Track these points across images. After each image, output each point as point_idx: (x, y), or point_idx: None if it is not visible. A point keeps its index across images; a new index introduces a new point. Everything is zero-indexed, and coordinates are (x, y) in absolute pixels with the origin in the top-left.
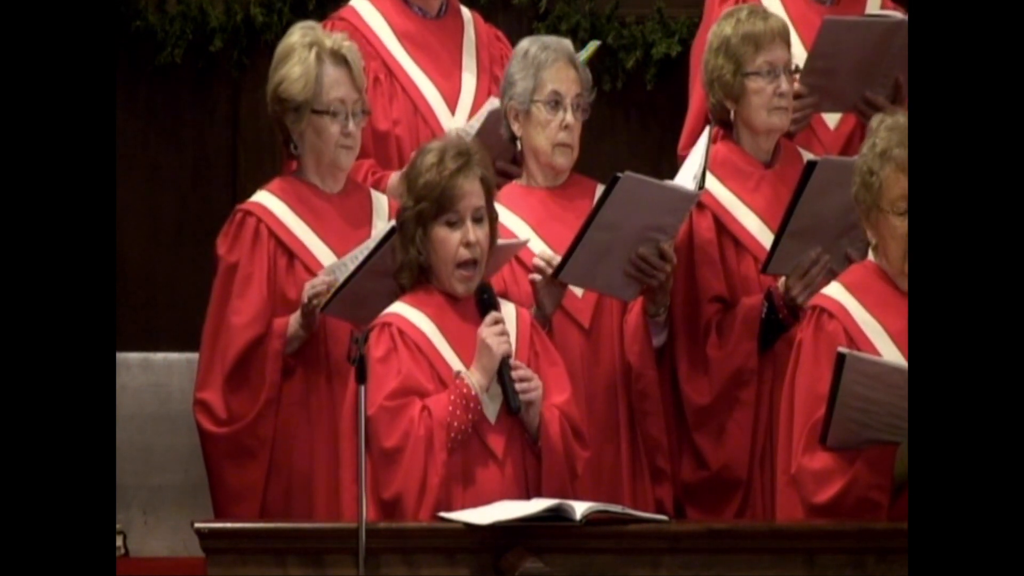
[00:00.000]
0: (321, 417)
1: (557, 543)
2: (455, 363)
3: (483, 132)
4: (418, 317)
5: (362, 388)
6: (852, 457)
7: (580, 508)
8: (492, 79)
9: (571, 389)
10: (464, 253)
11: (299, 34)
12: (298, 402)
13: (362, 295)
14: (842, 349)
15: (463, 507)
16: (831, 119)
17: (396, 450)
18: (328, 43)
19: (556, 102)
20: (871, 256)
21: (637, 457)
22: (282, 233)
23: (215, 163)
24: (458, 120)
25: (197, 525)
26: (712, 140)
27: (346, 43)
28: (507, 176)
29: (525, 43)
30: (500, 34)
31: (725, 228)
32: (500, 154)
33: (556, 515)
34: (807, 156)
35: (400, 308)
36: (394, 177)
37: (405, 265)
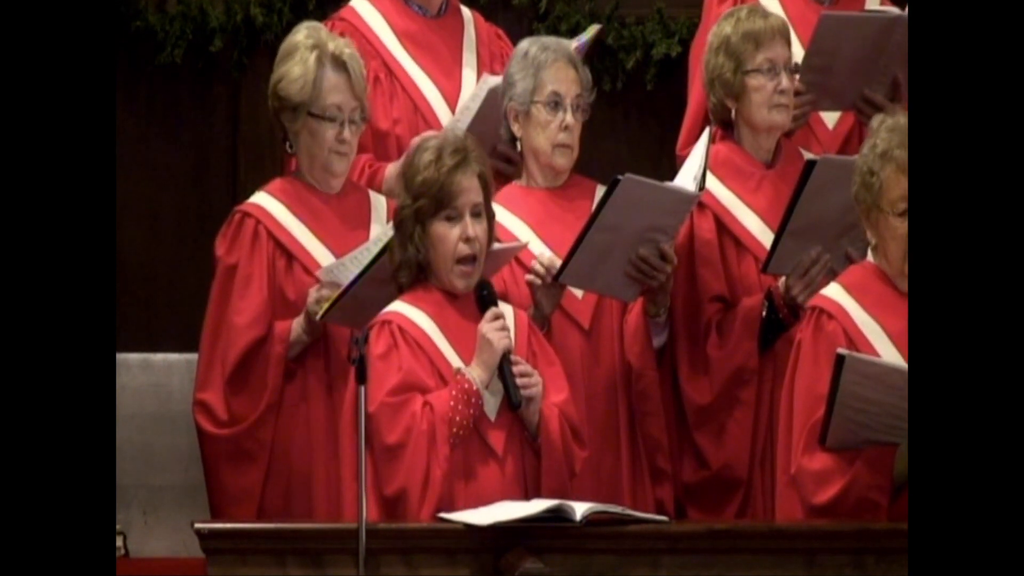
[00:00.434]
0: (320, 417)
1: (557, 543)
2: (455, 360)
3: (483, 111)
4: (418, 315)
5: (362, 388)
6: (852, 458)
7: (580, 508)
8: None
9: (568, 389)
10: (464, 249)
11: (304, 34)
12: (298, 403)
13: (361, 302)
14: (841, 350)
15: (464, 504)
16: (829, 119)
17: (398, 445)
18: (331, 47)
19: (556, 103)
20: (870, 256)
21: (637, 458)
22: (280, 234)
23: (215, 163)
24: None
25: (197, 525)
26: (712, 140)
27: (348, 50)
28: (508, 161)
29: (525, 43)
30: (501, 32)
31: (726, 228)
32: (498, 136)
33: (556, 515)
34: (808, 156)
35: (399, 306)
36: (391, 168)
37: (404, 263)
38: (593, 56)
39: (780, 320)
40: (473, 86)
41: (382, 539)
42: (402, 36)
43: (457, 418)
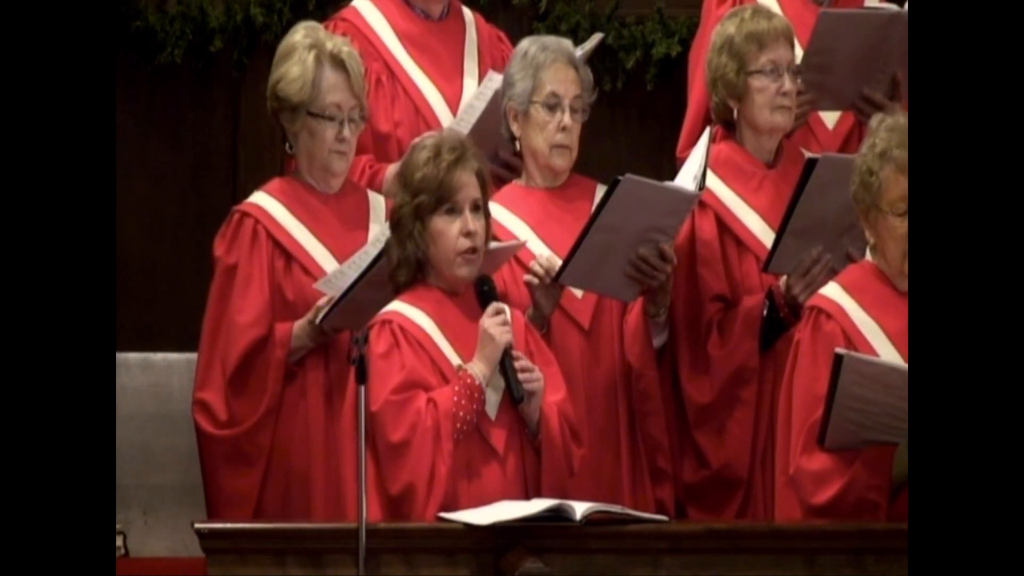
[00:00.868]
0: (320, 418)
1: (557, 543)
2: (455, 359)
3: (488, 110)
4: (417, 314)
5: (362, 388)
6: (850, 458)
7: (580, 508)
8: None
9: (566, 388)
10: (465, 242)
11: (301, 34)
12: (297, 403)
13: (360, 305)
14: (839, 350)
15: (467, 503)
16: (829, 118)
17: (403, 443)
18: (329, 46)
19: (554, 104)
20: (869, 256)
21: (637, 458)
22: (279, 234)
23: (215, 163)
24: None
25: (197, 525)
26: (712, 140)
27: (346, 48)
28: (510, 168)
29: (525, 43)
30: (502, 35)
31: (727, 227)
32: (501, 136)
33: (556, 515)
34: (808, 155)
35: (399, 306)
36: (391, 170)
37: (403, 261)
38: (593, 56)
39: (781, 320)
40: (474, 89)
41: (382, 539)
42: (404, 38)
43: (461, 413)
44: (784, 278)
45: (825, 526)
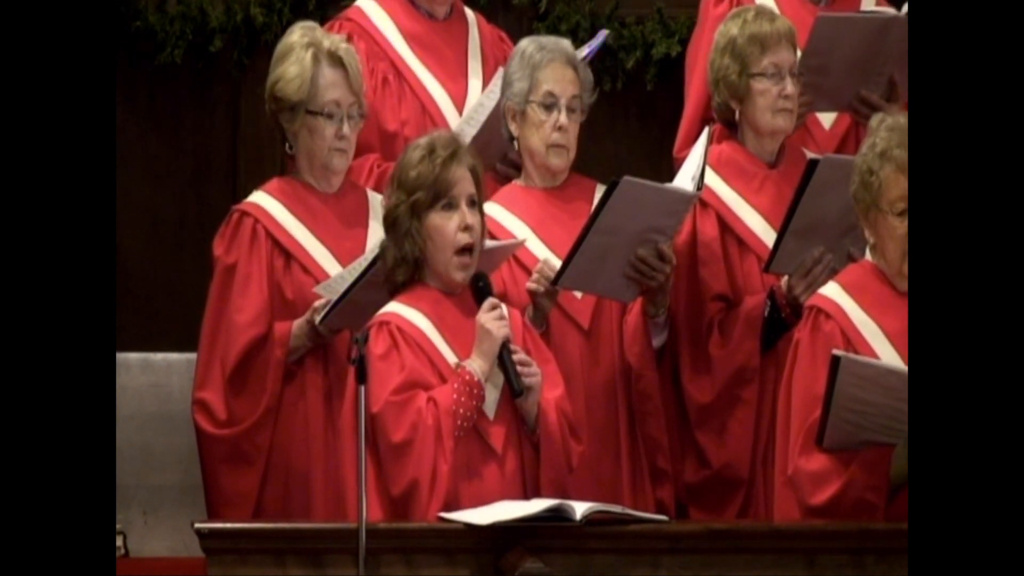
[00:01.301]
0: (319, 418)
1: (557, 543)
2: (453, 359)
3: (483, 131)
4: (414, 315)
5: (362, 388)
6: (848, 459)
7: (580, 508)
8: None
9: (563, 385)
10: (463, 237)
11: (298, 34)
12: (296, 403)
13: (358, 306)
14: (837, 351)
15: (466, 502)
16: (826, 119)
17: (405, 443)
18: (326, 44)
19: (551, 103)
20: (869, 256)
21: (637, 458)
22: (279, 234)
23: (215, 163)
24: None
25: (197, 525)
26: (711, 140)
27: (343, 45)
28: (518, 169)
29: (524, 43)
30: (504, 35)
31: (729, 227)
32: (501, 154)
33: (556, 515)
34: (810, 155)
35: (396, 307)
36: None
37: (401, 261)
38: (593, 56)
39: (782, 320)
40: (479, 88)
41: (382, 539)
42: (409, 38)
43: (461, 410)
44: (785, 278)
45: (825, 526)
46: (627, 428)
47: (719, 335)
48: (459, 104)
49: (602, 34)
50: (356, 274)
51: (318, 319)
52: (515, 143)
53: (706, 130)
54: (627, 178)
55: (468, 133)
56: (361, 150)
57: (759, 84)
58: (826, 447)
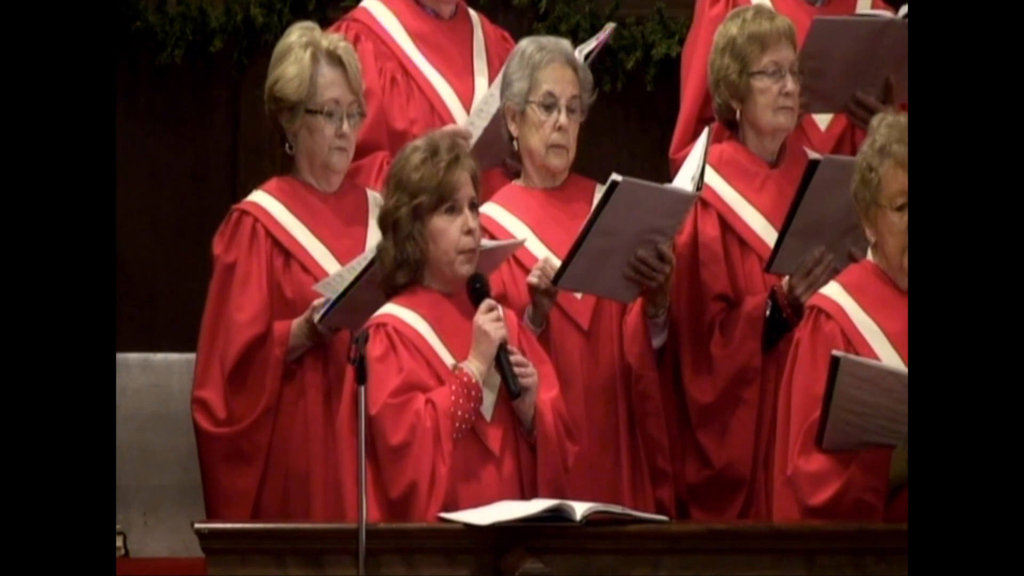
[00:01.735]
0: (318, 418)
1: (557, 543)
2: (450, 361)
3: (494, 124)
4: (412, 316)
5: (362, 388)
6: (847, 460)
7: (580, 508)
8: None
9: (559, 386)
10: (467, 241)
11: (296, 34)
12: (296, 403)
13: (358, 305)
14: (836, 352)
15: (465, 504)
16: (822, 121)
17: (404, 445)
18: (324, 43)
19: (550, 103)
20: (871, 255)
21: (637, 458)
22: (278, 233)
23: (215, 163)
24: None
25: (197, 525)
26: (711, 140)
27: (342, 44)
28: (518, 175)
29: (524, 43)
30: (506, 35)
31: (730, 227)
32: (510, 149)
33: (556, 515)
34: (811, 155)
35: (393, 308)
36: None
37: (402, 263)
38: (598, 51)
39: (784, 320)
40: (485, 87)
41: (382, 539)
42: (416, 37)
43: (459, 412)
44: (787, 278)
45: (825, 526)
46: (627, 428)
47: (720, 335)
48: (466, 102)
49: (609, 28)
50: (355, 273)
51: (317, 318)
52: (515, 143)
53: (706, 130)
54: (626, 179)
55: (479, 126)
56: (370, 149)
57: (760, 83)
58: (825, 448)
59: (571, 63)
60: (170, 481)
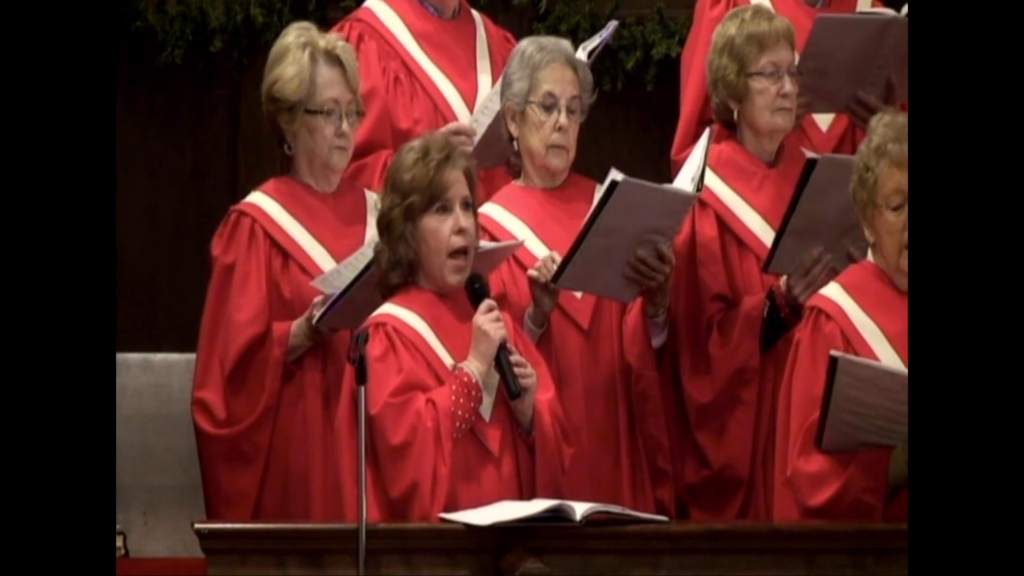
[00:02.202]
0: (318, 418)
1: (557, 543)
2: (449, 361)
3: (489, 134)
4: (410, 316)
5: (362, 388)
6: (847, 460)
7: (580, 508)
8: None
9: (554, 388)
10: (457, 240)
11: (294, 34)
12: (295, 403)
13: (356, 305)
14: (834, 352)
15: (465, 505)
16: (823, 121)
17: (404, 445)
18: (322, 43)
19: (551, 104)
20: (870, 256)
21: (636, 458)
22: (277, 233)
23: (215, 163)
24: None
25: (197, 525)
26: (711, 140)
27: (340, 43)
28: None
29: (524, 43)
30: (509, 35)
31: (728, 227)
32: (506, 156)
33: (556, 515)
34: (809, 155)
35: (391, 308)
36: None
37: (395, 264)
38: (602, 48)
39: (782, 320)
40: (488, 86)
41: (382, 539)
42: (419, 37)
43: (459, 412)
44: (784, 278)
45: (825, 526)
46: (627, 428)
47: (718, 335)
48: (470, 101)
49: (612, 25)
50: (352, 269)
51: (315, 318)
52: (515, 143)
53: (707, 131)
54: (626, 179)
55: (483, 124)
56: (374, 148)
57: (757, 83)
58: (825, 448)
59: (571, 63)
60: (170, 481)
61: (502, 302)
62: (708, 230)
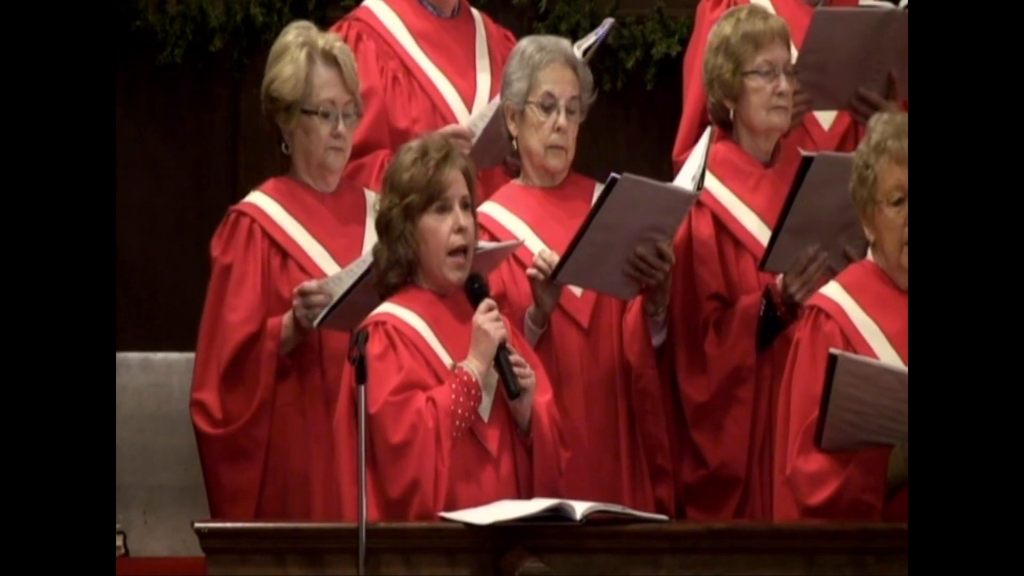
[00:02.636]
0: (318, 417)
1: (557, 543)
2: (448, 360)
3: (493, 124)
4: (409, 316)
5: (362, 388)
6: (846, 459)
7: (580, 508)
8: None
9: (551, 391)
10: (456, 239)
11: (293, 34)
12: (293, 402)
13: (353, 307)
14: (834, 350)
15: (463, 504)
16: (825, 119)
17: (405, 444)
18: (320, 43)
19: (550, 104)
20: (870, 256)
21: (636, 456)
22: (275, 233)
23: (215, 163)
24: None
25: (197, 525)
26: (712, 140)
27: (338, 44)
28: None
29: (524, 43)
30: (509, 34)
31: (724, 227)
32: (504, 156)
33: (556, 515)
34: (804, 153)
35: (391, 307)
36: None
37: (394, 264)
38: (593, 56)
39: (778, 318)
40: (488, 85)
41: (382, 539)
42: (418, 36)
43: (459, 411)
44: (781, 277)
45: (825, 526)
46: (627, 426)
47: (715, 334)
48: (469, 101)
49: (608, 22)
50: (353, 277)
51: (315, 323)
52: (514, 143)
53: (708, 130)
54: (626, 176)
55: (480, 126)
56: (372, 148)
57: (753, 82)
58: (824, 447)
59: (571, 63)
60: (170, 481)
61: (502, 301)
62: (704, 229)
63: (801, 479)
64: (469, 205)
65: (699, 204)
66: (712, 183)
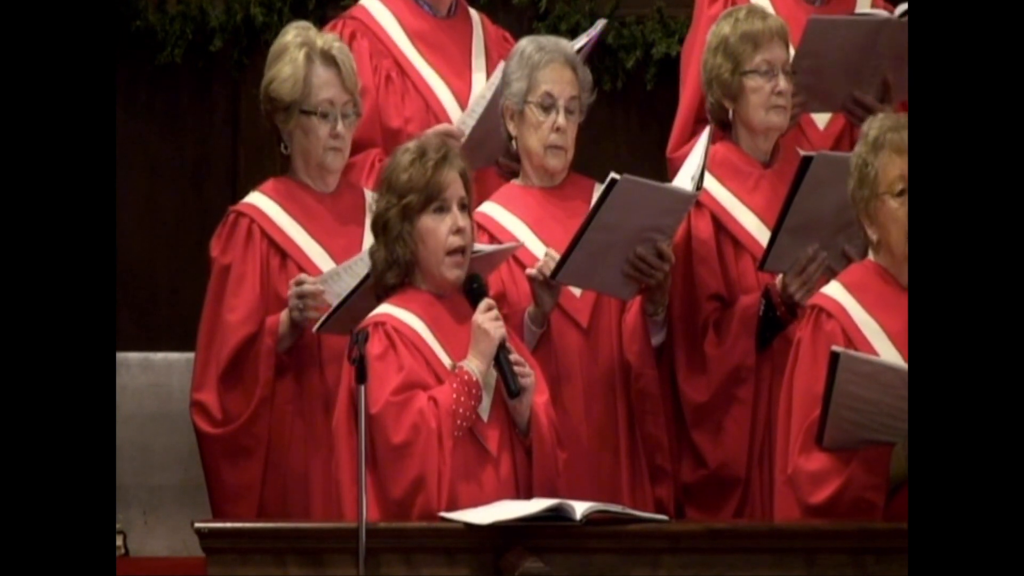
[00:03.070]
0: (316, 416)
1: (557, 543)
2: (447, 361)
3: (482, 123)
4: (408, 316)
5: (362, 388)
6: (848, 458)
7: (580, 508)
8: None
9: (548, 392)
10: (455, 240)
11: (292, 34)
12: (293, 401)
13: (355, 311)
14: (836, 348)
15: (464, 504)
16: (820, 119)
17: (406, 444)
18: (319, 43)
19: (549, 104)
20: (871, 255)
21: (636, 456)
22: (274, 233)
23: (215, 163)
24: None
25: (197, 525)
26: (711, 140)
27: (337, 44)
28: (512, 175)
29: (523, 43)
30: (507, 35)
31: (723, 227)
32: (503, 147)
33: (556, 515)
34: (803, 153)
35: (389, 308)
36: None
37: (392, 264)
38: (593, 56)
39: (778, 318)
40: (483, 86)
41: (382, 539)
42: (413, 35)
43: (461, 410)
44: (780, 277)
45: (825, 526)
46: (626, 426)
47: (714, 334)
48: (463, 101)
49: (600, 23)
50: (350, 273)
51: (315, 328)
52: (513, 143)
53: (707, 130)
54: (626, 176)
55: (469, 125)
56: (364, 146)
57: (752, 82)
58: (826, 446)
59: (570, 63)
60: (170, 481)
61: (501, 301)
62: (704, 230)
63: (803, 478)
64: (466, 206)
65: (698, 204)
66: (711, 183)
